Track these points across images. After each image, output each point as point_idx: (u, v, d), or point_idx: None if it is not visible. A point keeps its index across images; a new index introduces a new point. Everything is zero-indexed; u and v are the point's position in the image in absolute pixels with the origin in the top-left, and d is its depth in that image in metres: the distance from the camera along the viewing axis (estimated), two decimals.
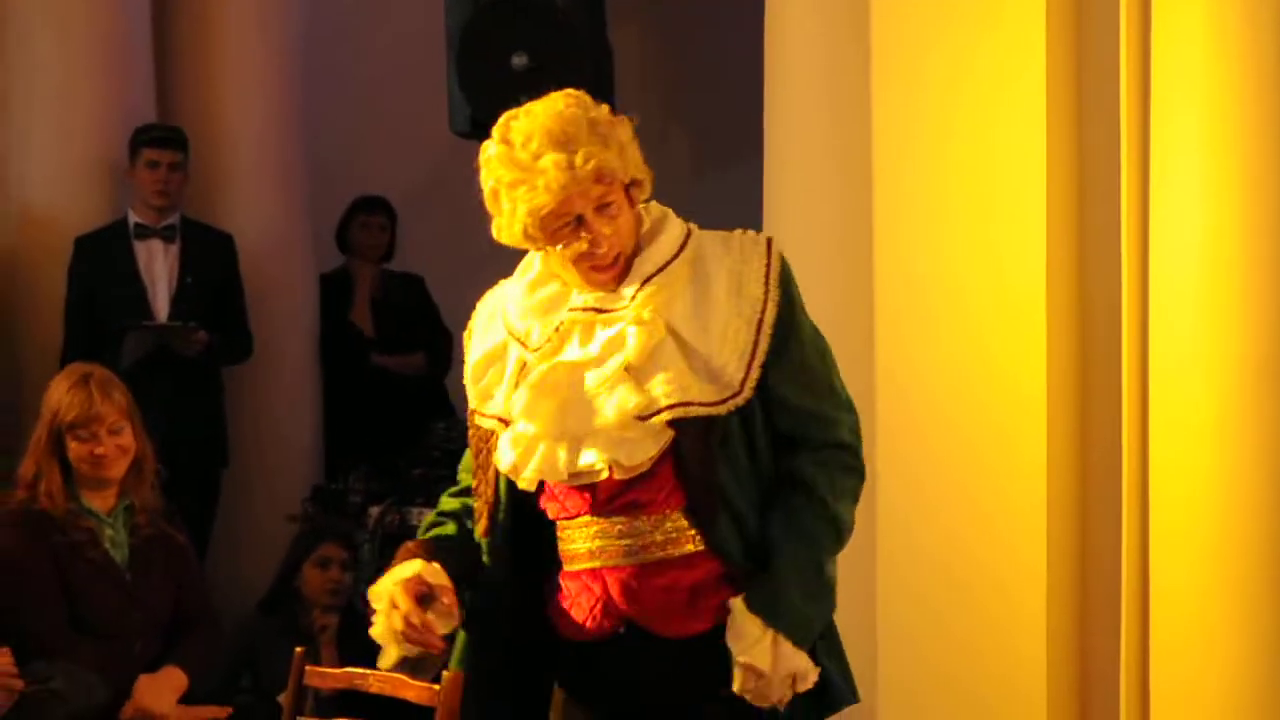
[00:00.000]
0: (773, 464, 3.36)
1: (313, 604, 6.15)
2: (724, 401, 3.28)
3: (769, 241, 3.39)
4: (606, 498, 3.31)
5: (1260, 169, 3.78)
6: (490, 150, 3.27)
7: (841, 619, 3.44)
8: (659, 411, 3.25)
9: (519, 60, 6.54)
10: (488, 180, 3.28)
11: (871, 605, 4.55)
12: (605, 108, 3.33)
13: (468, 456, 3.48)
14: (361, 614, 5.91)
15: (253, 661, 6.02)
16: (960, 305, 4.41)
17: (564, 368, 3.30)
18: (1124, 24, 4.04)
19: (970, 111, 4.46)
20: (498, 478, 3.37)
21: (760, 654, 3.21)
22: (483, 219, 3.33)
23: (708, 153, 8.32)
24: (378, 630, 3.37)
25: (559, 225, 3.25)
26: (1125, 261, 4.09)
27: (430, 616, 3.33)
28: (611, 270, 3.31)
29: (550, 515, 3.39)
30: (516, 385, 3.33)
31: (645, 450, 3.27)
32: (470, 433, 3.44)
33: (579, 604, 3.35)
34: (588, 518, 3.32)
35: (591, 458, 3.27)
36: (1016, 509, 4.27)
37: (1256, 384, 3.81)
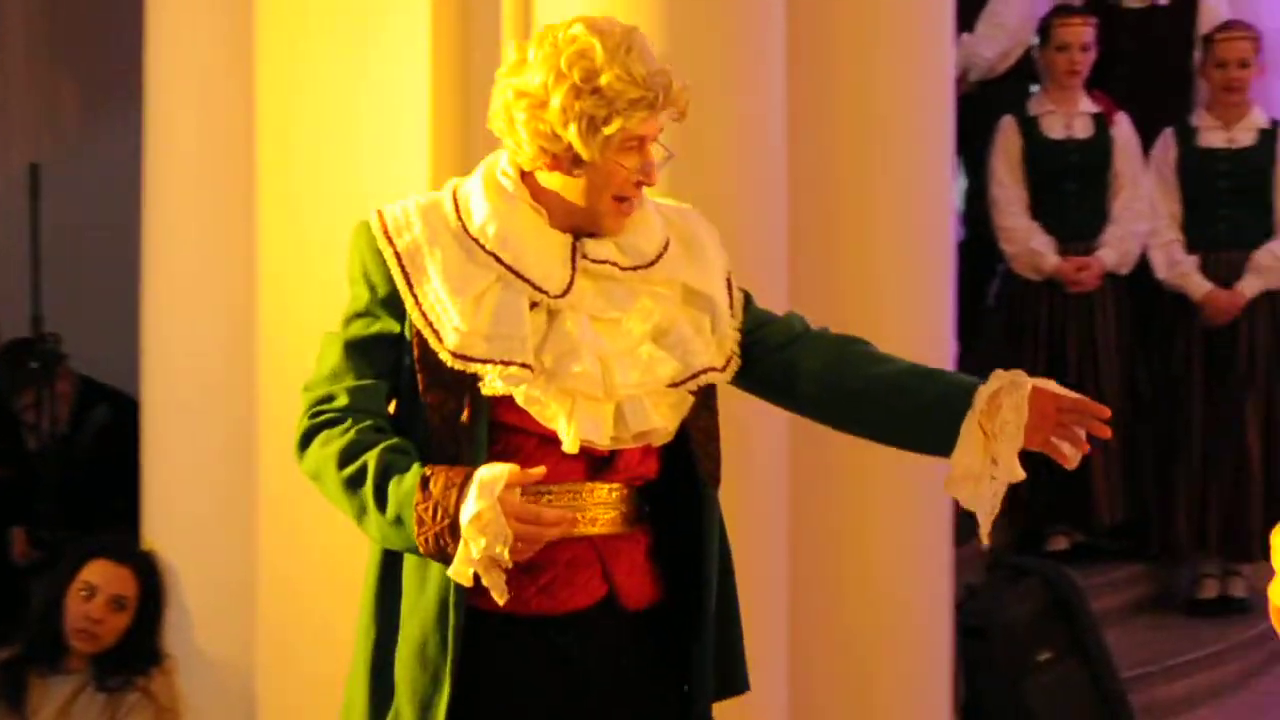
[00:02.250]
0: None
1: None
2: (726, 366, 3.20)
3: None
4: (623, 466, 3.12)
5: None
6: (591, 48, 2.97)
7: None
8: (691, 378, 3.12)
9: None
10: (572, 74, 2.96)
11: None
12: None
13: (346, 388, 3.08)
14: None
15: None
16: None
17: (605, 325, 3.08)
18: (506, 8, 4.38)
19: (357, 62, 4.46)
20: (475, 429, 3.03)
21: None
22: None
23: (95, 101, 7.74)
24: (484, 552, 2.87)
25: (631, 145, 3.02)
26: None
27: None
28: (632, 211, 3.09)
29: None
30: (547, 335, 3.04)
31: (674, 418, 3.12)
32: (422, 375, 3.05)
33: (565, 573, 3.10)
34: (591, 484, 3.10)
35: (637, 423, 3.07)
36: None
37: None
